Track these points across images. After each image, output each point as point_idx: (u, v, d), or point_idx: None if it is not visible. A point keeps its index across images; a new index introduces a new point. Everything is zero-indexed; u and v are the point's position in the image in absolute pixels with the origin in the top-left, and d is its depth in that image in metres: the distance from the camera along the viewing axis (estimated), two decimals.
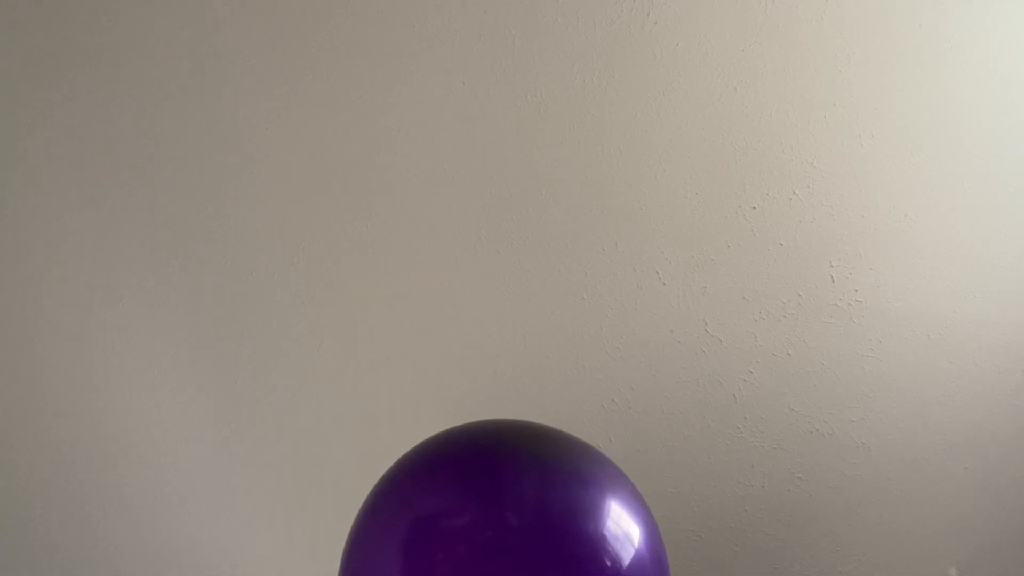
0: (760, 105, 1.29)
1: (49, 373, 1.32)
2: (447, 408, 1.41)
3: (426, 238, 1.32)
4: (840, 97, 1.30)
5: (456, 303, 1.36)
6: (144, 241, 1.29)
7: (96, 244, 1.28)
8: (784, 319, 1.39)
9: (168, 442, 1.38)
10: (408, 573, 0.76)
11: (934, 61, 1.29)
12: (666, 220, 1.34)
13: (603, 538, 0.77)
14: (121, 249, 1.29)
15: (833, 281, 1.38)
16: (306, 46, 1.23)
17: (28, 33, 1.20)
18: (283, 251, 1.31)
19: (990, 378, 1.45)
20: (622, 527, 0.79)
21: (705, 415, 1.44)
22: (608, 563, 0.76)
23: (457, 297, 1.35)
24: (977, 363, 1.44)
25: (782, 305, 1.39)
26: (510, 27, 1.24)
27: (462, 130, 1.28)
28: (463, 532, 0.76)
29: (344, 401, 1.39)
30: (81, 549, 1.40)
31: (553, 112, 1.28)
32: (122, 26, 1.21)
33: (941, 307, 1.41)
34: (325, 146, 1.27)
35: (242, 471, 1.41)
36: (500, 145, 1.29)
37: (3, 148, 1.24)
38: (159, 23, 1.21)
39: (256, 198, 1.29)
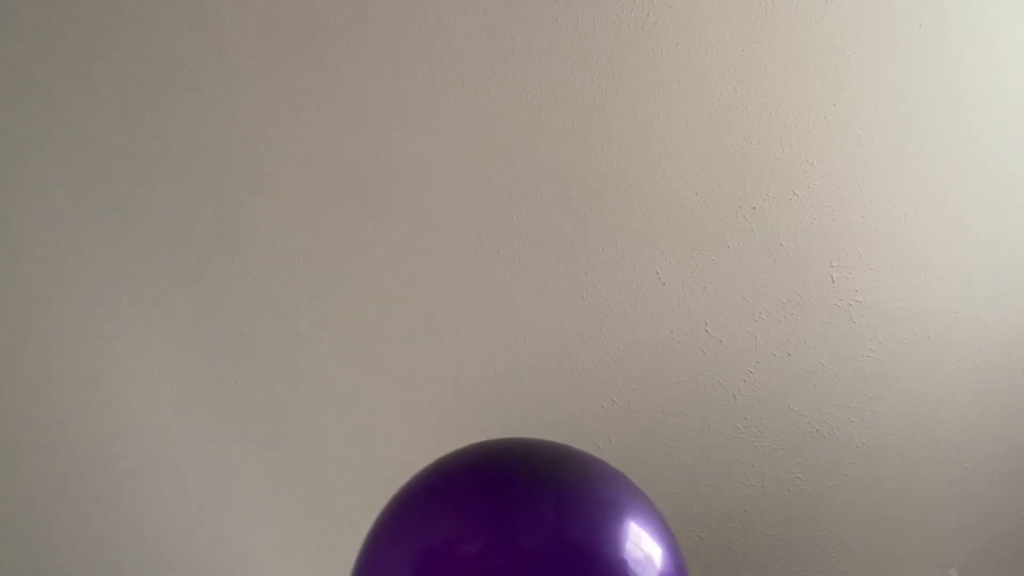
0: (760, 105, 1.29)
1: (50, 373, 1.32)
2: (447, 408, 1.41)
3: (426, 238, 1.32)
4: (840, 97, 1.30)
5: (456, 303, 1.36)
6: (144, 241, 1.29)
7: (96, 244, 1.28)
8: (784, 319, 1.39)
9: (168, 442, 1.38)
10: None
11: (934, 61, 1.29)
12: (666, 220, 1.34)
13: (623, 562, 0.74)
14: (121, 249, 1.29)
15: (833, 281, 1.38)
16: (306, 46, 1.23)
17: (32, 38, 1.20)
18: (283, 251, 1.31)
19: (990, 378, 1.45)
20: (643, 550, 0.76)
21: (705, 415, 1.44)
22: None
23: (457, 297, 1.35)
24: (977, 363, 1.44)
25: (782, 305, 1.39)
26: (510, 27, 1.24)
27: (462, 130, 1.28)
28: (475, 559, 0.73)
29: (344, 401, 1.39)
30: (81, 549, 1.39)
31: (553, 112, 1.28)
32: (123, 28, 1.21)
33: (941, 307, 1.41)
34: (325, 146, 1.27)
35: (242, 471, 1.41)
36: (500, 145, 1.29)
37: (6, 151, 1.24)
38: (160, 24, 1.21)
39: (257, 198, 1.29)
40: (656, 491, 1.47)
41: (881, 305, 1.40)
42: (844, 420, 1.45)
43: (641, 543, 0.76)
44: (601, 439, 1.44)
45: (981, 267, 1.39)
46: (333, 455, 1.42)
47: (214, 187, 1.28)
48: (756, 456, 1.46)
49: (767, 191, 1.33)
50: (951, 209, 1.36)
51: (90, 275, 1.29)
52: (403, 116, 1.27)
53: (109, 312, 1.31)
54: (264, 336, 1.35)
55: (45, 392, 1.33)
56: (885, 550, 1.54)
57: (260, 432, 1.39)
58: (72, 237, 1.28)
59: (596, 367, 1.40)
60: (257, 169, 1.28)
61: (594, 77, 1.27)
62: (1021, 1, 1.28)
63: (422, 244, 1.33)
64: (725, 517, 1.50)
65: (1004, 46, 1.30)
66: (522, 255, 1.34)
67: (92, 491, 1.37)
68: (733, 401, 1.43)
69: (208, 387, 1.36)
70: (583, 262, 1.35)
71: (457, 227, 1.32)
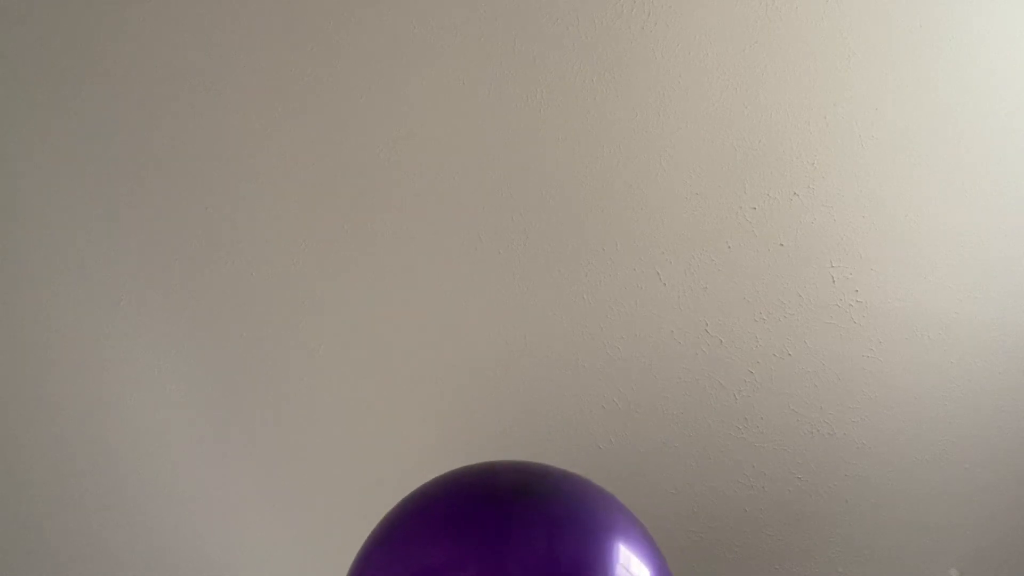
0: (760, 105, 1.29)
1: (50, 374, 1.32)
2: (447, 407, 1.41)
3: (426, 238, 1.32)
4: (840, 97, 1.29)
5: (456, 303, 1.36)
6: (145, 242, 1.29)
7: (97, 245, 1.28)
8: (784, 319, 1.39)
9: (168, 442, 1.38)
10: None
11: (934, 61, 1.29)
12: (666, 220, 1.34)
13: None
14: (121, 250, 1.29)
15: (834, 282, 1.38)
16: (307, 47, 1.23)
17: (32, 40, 1.20)
18: (283, 251, 1.31)
19: (990, 378, 1.45)
20: (632, 572, 0.76)
21: (705, 415, 1.44)
22: None
23: (457, 297, 1.35)
24: (977, 363, 1.44)
25: (783, 305, 1.39)
26: (510, 27, 1.24)
27: (462, 130, 1.28)
28: None
29: (344, 400, 1.39)
30: (81, 549, 1.39)
31: (553, 112, 1.28)
32: (124, 29, 1.21)
33: (941, 307, 1.41)
34: (325, 147, 1.27)
35: (242, 471, 1.41)
36: (500, 145, 1.29)
37: (7, 152, 1.23)
38: (161, 26, 1.21)
39: (257, 199, 1.29)
40: (656, 491, 1.47)
41: (881, 305, 1.39)
42: (844, 420, 1.45)
43: (631, 566, 0.76)
44: (601, 439, 1.44)
45: (981, 267, 1.39)
46: (333, 455, 1.41)
47: (214, 188, 1.28)
48: (756, 456, 1.46)
49: (767, 191, 1.33)
50: (951, 209, 1.36)
51: (90, 275, 1.29)
52: (403, 116, 1.27)
53: (109, 312, 1.31)
54: (264, 336, 1.35)
55: (45, 392, 1.33)
56: (885, 550, 1.54)
57: (260, 432, 1.39)
58: (72, 237, 1.28)
59: (596, 367, 1.40)
60: (257, 170, 1.28)
61: (594, 77, 1.27)
62: (1021, 1, 1.28)
63: (422, 244, 1.33)
64: (725, 517, 1.50)
65: (1004, 46, 1.30)
66: (522, 255, 1.34)
67: (92, 490, 1.37)
68: (733, 401, 1.43)
69: (208, 387, 1.36)
70: (583, 262, 1.35)
71: (457, 228, 1.32)
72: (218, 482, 1.41)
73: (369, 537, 0.85)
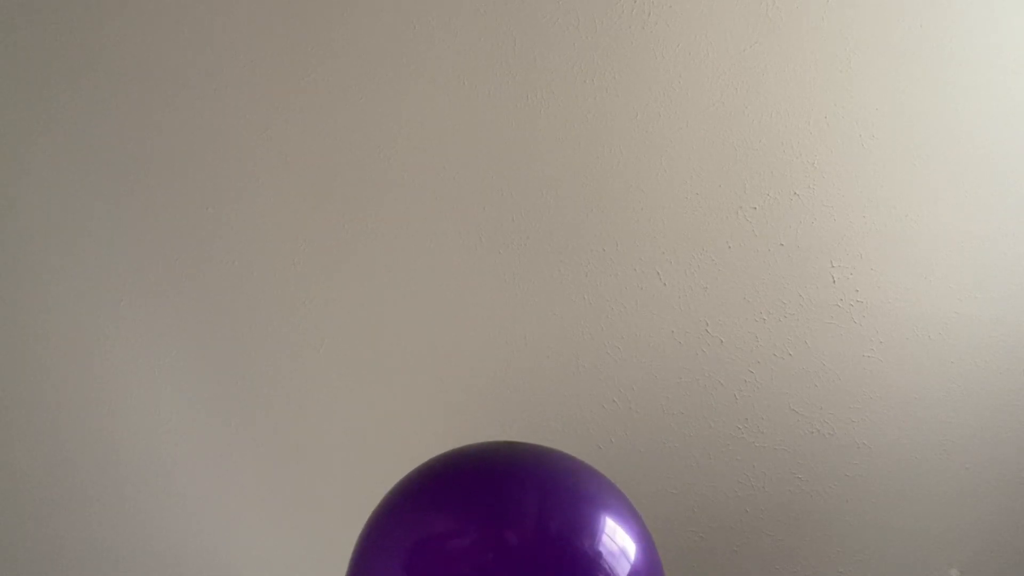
0: (760, 105, 1.29)
1: (50, 373, 1.32)
2: (447, 407, 1.41)
3: (426, 238, 1.32)
4: (840, 97, 1.29)
5: (456, 303, 1.36)
6: (145, 242, 1.29)
7: (97, 245, 1.28)
8: (785, 319, 1.39)
9: (168, 442, 1.38)
10: None
11: (935, 61, 1.29)
12: (666, 220, 1.34)
13: (599, 555, 0.79)
14: (122, 250, 1.29)
15: (834, 281, 1.38)
16: (306, 47, 1.23)
17: (31, 38, 1.20)
18: (283, 251, 1.31)
19: (990, 378, 1.45)
20: (618, 543, 0.82)
21: (705, 415, 1.44)
22: None
23: (457, 297, 1.35)
24: (977, 363, 1.44)
25: (783, 305, 1.39)
26: (510, 27, 1.24)
27: (462, 130, 1.28)
28: (467, 551, 0.78)
29: (345, 400, 1.39)
30: (81, 549, 1.39)
31: (553, 112, 1.28)
32: (123, 28, 1.21)
33: (941, 307, 1.41)
34: (325, 146, 1.27)
35: (243, 471, 1.41)
36: (500, 145, 1.29)
37: (7, 151, 1.23)
38: (160, 25, 1.21)
39: (257, 199, 1.29)
40: (656, 491, 1.47)
41: (881, 305, 1.39)
42: (844, 420, 1.45)
43: (616, 536, 0.82)
44: (601, 439, 1.44)
45: (981, 267, 1.39)
46: (333, 455, 1.41)
47: (214, 188, 1.28)
48: (756, 456, 1.46)
49: (767, 191, 1.33)
50: (951, 209, 1.36)
51: (90, 275, 1.29)
52: (404, 116, 1.27)
53: (109, 312, 1.31)
54: (264, 336, 1.35)
55: (45, 392, 1.33)
56: (885, 550, 1.54)
57: (260, 432, 1.39)
58: (73, 238, 1.28)
59: (596, 367, 1.40)
60: (257, 170, 1.28)
61: (594, 77, 1.27)
62: (1021, 1, 1.28)
63: (422, 244, 1.32)
64: (725, 517, 1.50)
65: (1004, 46, 1.30)
66: (522, 255, 1.34)
67: (91, 490, 1.37)
68: (734, 401, 1.43)
69: (208, 387, 1.36)
70: (583, 262, 1.35)
71: (457, 227, 1.32)
72: (218, 482, 1.41)
73: (376, 508, 0.89)
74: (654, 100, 1.28)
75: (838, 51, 1.27)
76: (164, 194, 1.27)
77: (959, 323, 1.42)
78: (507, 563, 0.76)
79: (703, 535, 1.51)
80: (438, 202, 1.31)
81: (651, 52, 1.26)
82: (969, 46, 1.29)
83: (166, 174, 1.26)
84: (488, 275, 1.34)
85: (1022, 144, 1.34)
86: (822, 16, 1.26)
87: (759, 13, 1.25)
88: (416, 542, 0.82)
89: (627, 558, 0.81)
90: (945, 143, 1.33)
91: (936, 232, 1.37)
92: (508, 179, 1.31)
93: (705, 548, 1.51)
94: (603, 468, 1.45)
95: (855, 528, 1.53)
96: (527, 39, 1.24)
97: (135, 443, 1.37)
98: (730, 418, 1.44)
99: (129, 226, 1.28)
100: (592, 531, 0.80)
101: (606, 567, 0.78)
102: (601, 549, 0.79)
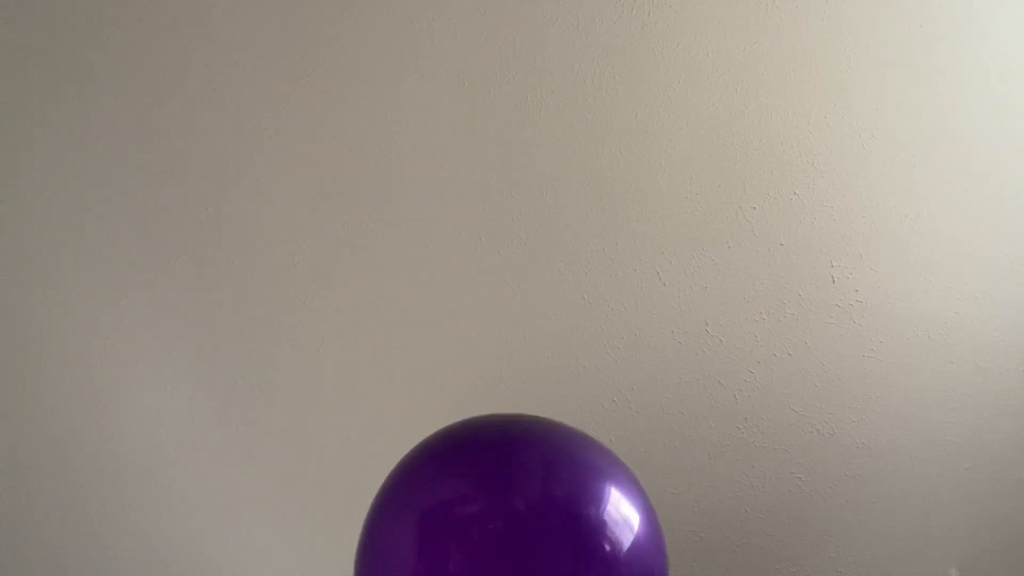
0: (760, 105, 1.29)
1: (49, 373, 1.32)
2: (447, 407, 1.41)
3: (426, 238, 1.32)
4: (840, 97, 1.29)
5: (456, 303, 1.36)
6: (145, 242, 1.29)
7: (96, 244, 1.28)
8: (784, 319, 1.39)
9: (168, 442, 1.38)
10: (424, 557, 0.80)
11: (934, 61, 1.29)
12: (666, 220, 1.34)
13: (603, 523, 0.81)
14: (121, 249, 1.29)
15: (834, 281, 1.38)
16: (306, 46, 1.23)
17: (29, 36, 1.20)
18: (283, 251, 1.31)
19: (990, 378, 1.45)
20: (622, 512, 0.84)
21: (705, 415, 1.44)
22: (608, 546, 0.80)
23: (457, 297, 1.35)
24: (977, 363, 1.44)
25: (783, 305, 1.39)
26: (510, 27, 1.24)
27: (462, 130, 1.28)
28: (476, 518, 0.80)
29: (344, 401, 1.39)
30: (80, 549, 1.39)
31: (553, 112, 1.28)
32: (122, 26, 1.21)
33: (941, 307, 1.41)
34: (325, 146, 1.27)
35: (242, 471, 1.41)
36: (501, 145, 1.29)
37: (5, 149, 1.23)
38: (159, 24, 1.21)
39: (257, 198, 1.29)
40: (656, 491, 1.47)
41: (881, 305, 1.39)
42: (844, 420, 1.45)
43: (621, 507, 0.84)
44: (601, 439, 1.43)
45: (981, 267, 1.39)
46: (333, 454, 1.41)
47: (214, 188, 1.28)
48: (756, 456, 1.46)
49: (767, 191, 1.33)
50: (951, 209, 1.36)
51: (90, 275, 1.29)
52: (403, 116, 1.27)
53: (108, 312, 1.31)
54: (265, 337, 1.35)
55: (44, 392, 1.33)
56: (885, 550, 1.54)
57: (260, 432, 1.39)
58: (72, 238, 1.28)
59: (596, 367, 1.40)
60: (257, 169, 1.28)
61: (594, 77, 1.27)
62: (1021, 1, 1.28)
63: (422, 244, 1.32)
64: (725, 517, 1.50)
65: (1004, 46, 1.30)
66: (522, 255, 1.34)
67: (90, 489, 1.37)
68: (733, 401, 1.43)
69: (208, 387, 1.36)
70: (583, 262, 1.35)
71: (457, 227, 1.32)
72: (219, 482, 1.41)
73: (387, 478, 0.92)
74: (654, 100, 1.28)
75: (838, 51, 1.27)
76: (164, 194, 1.27)
77: (959, 323, 1.42)
78: (516, 530, 0.79)
79: (703, 535, 1.50)
80: (438, 202, 1.31)
81: (651, 52, 1.26)
82: (969, 46, 1.29)
83: (166, 174, 1.26)
84: (488, 275, 1.34)
85: (1021, 144, 1.34)
86: (822, 16, 1.26)
87: (759, 13, 1.25)
88: (426, 509, 0.84)
89: (630, 527, 0.83)
90: (945, 143, 1.33)
91: (936, 232, 1.37)
92: (508, 179, 1.31)
93: (705, 548, 1.51)
94: None
95: (855, 528, 1.53)
96: (527, 39, 1.24)
97: (134, 443, 1.37)
98: (730, 418, 1.44)
99: (129, 226, 1.28)
100: (598, 500, 0.82)
101: (610, 535, 0.80)
102: (606, 518, 0.81)
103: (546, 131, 1.28)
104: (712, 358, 1.41)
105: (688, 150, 1.31)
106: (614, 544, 0.80)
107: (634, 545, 0.81)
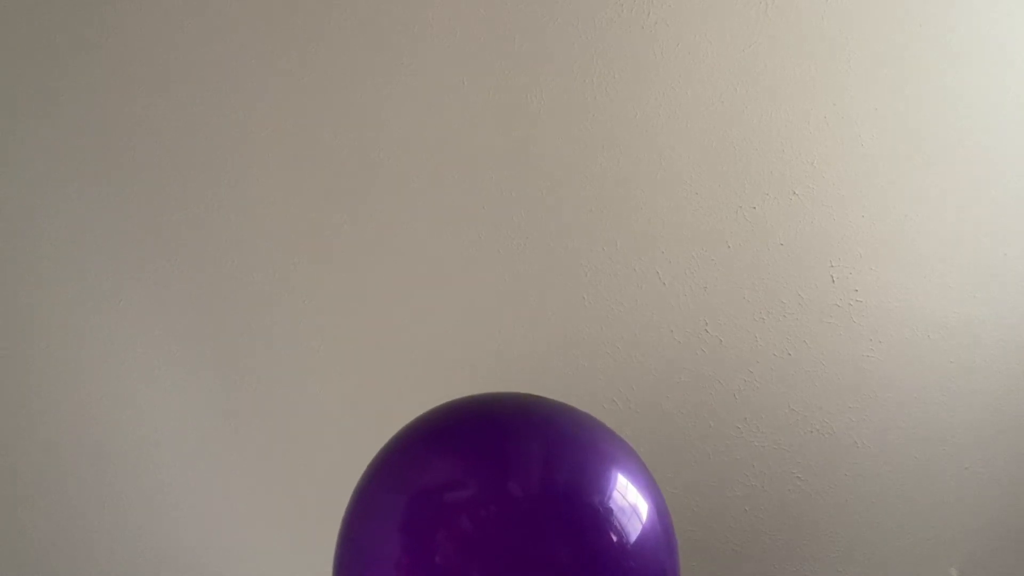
0: (760, 105, 1.29)
1: (46, 373, 1.32)
2: None
3: (426, 238, 1.32)
4: (840, 97, 1.29)
5: (456, 303, 1.36)
6: (143, 241, 1.29)
7: (94, 244, 1.28)
8: (784, 319, 1.39)
9: (165, 443, 1.38)
10: (410, 544, 0.74)
11: (935, 61, 1.29)
12: (666, 220, 1.34)
13: (610, 511, 0.73)
14: (120, 249, 1.29)
15: (833, 281, 1.38)
16: (305, 46, 1.23)
17: (26, 31, 1.20)
18: (283, 251, 1.31)
19: (990, 378, 1.45)
20: (629, 500, 0.76)
21: (705, 415, 1.44)
22: (614, 537, 0.72)
23: (457, 297, 1.35)
24: (977, 363, 1.44)
25: (782, 305, 1.39)
26: (510, 27, 1.24)
27: (462, 130, 1.28)
28: (467, 504, 0.74)
29: (343, 401, 1.39)
30: (77, 550, 1.39)
31: (553, 112, 1.28)
32: (121, 24, 1.21)
33: (941, 307, 1.41)
34: (325, 146, 1.27)
35: (240, 472, 1.41)
36: (500, 145, 1.29)
37: (5, 150, 1.23)
38: (157, 22, 1.21)
39: (256, 198, 1.29)
40: None
41: (881, 305, 1.39)
42: (844, 420, 1.45)
43: (628, 493, 0.76)
44: None
45: (981, 267, 1.39)
46: (332, 455, 1.41)
47: (214, 187, 1.28)
48: (756, 456, 1.46)
49: (767, 191, 1.33)
50: (951, 209, 1.36)
51: (88, 275, 1.29)
52: (403, 116, 1.27)
53: (107, 311, 1.31)
54: (263, 336, 1.35)
55: (41, 392, 1.33)
56: (885, 550, 1.54)
57: (259, 432, 1.39)
58: (71, 237, 1.28)
59: (596, 367, 1.40)
60: (256, 167, 1.28)
61: (594, 77, 1.27)
62: (1022, 1, 1.28)
63: (422, 244, 1.33)
64: (725, 517, 1.50)
65: (1004, 46, 1.30)
66: (522, 255, 1.34)
67: (88, 489, 1.37)
68: (733, 401, 1.43)
69: (206, 387, 1.36)
70: (583, 262, 1.35)
71: (457, 227, 1.32)
72: (217, 483, 1.41)
73: (372, 461, 0.86)
74: (654, 100, 1.28)
75: (838, 51, 1.27)
76: (163, 193, 1.27)
77: (959, 323, 1.42)
78: (510, 515, 0.72)
79: (703, 535, 1.50)
80: (437, 202, 1.31)
81: (650, 52, 1.26)
82: (969, 46, 1.29)
83: (165, 173, 1.26)
84: (488, 275, 1.34)
85: (1021, 143, 1.35)
86: (822, 16, 1.26)
87: (759, 13, 1.25)
88: (412, 495, 0.77)
89: (639, 515, 0.76)
90: (945, 143, 1.33)
91: (936, 232, 1.37)
92: (508, 179, 1.31)
93: (705, 548, 1.51)
94: None
95: (855, 528, 1.53)
96: (527, 39, 1.24)
97: (131, 443, 1.37)
98: (730, 418, 1.44)
99: (128, 225, 1.28)
100: (601, 485, 0.75)
101: (617, 523, 0.73)
102: (611, 505, 0.74)
103: (546, 131, 1.28)
104: (712, 358, 1.41)
105: (688, 150, 1.31)
106: (620, 534, 0.73)
107: (642, 535, 0.74)
